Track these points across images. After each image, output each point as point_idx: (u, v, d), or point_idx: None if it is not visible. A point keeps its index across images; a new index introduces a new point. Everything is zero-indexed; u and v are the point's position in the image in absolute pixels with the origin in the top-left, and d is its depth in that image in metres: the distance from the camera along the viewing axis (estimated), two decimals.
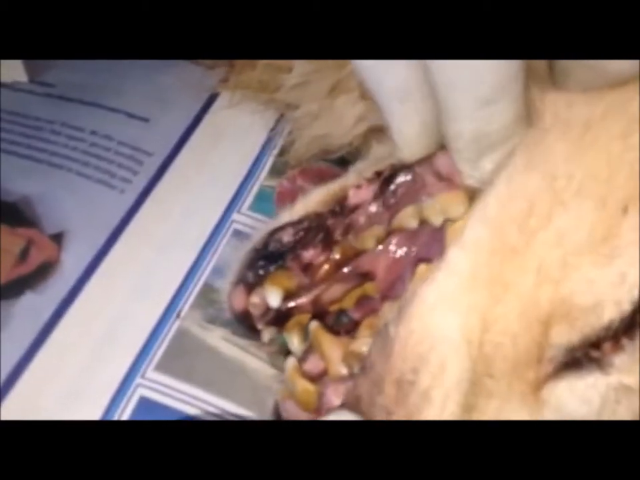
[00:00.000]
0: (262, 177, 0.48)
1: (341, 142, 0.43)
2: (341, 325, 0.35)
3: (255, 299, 0.35)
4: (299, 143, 0.45)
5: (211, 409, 0.39)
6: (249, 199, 0.47)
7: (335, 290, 0.36)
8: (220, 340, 0.41)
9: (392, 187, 0.33)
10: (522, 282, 0.29)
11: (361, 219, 0.34)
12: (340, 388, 0.32)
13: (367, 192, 0.34)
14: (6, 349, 0.39)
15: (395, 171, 0.33)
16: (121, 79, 0.51)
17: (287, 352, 0.36)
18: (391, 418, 0.29)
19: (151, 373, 0.40)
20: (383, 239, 0.35)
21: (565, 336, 0.28)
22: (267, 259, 0.35)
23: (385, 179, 0.34)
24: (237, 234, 0.45)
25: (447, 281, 0.30)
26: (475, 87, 0.28)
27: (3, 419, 0.37)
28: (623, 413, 0.28)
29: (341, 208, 0.35)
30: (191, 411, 0.39)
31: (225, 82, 0.49)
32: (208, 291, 0.43)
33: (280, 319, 0.36)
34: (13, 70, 0.50)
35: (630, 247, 0.28)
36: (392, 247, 0.35)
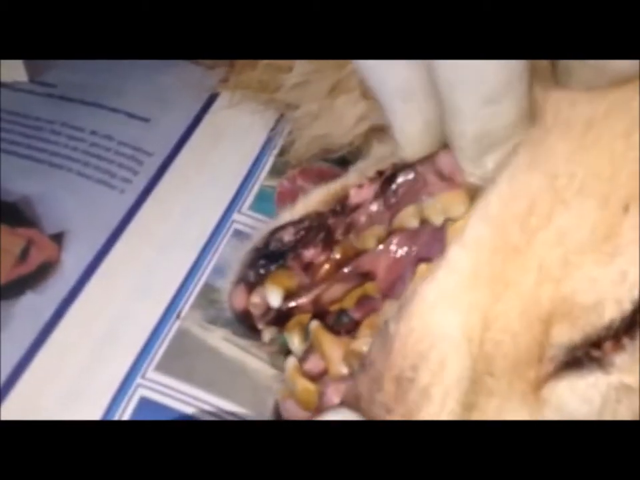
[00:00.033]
0: (262, 177, 0.48)
1: (341, 142, 0.43)
2: (341, 324, 0.35)
3: (255, 298, 0.35)
4: (299, 142, 0.45)
5: (212, 409, 0.39)
6: (249, 199, 0.47)
7: (336, 290, 0.36)
8: (220, 340, 0.41)
9: (393, 186, 0.33)
10: (523, 280, 0.29)
11: (362, 218, 0.34)
12: (340, 387, 0.32)
13: (369, 191, 0.34)
14: (6, 349, 0.39)
15: (397, 170, 0.33)
16: (122, 79, 0.51)
17: (287, 352, 0.36)
18: (390, 415, 0.29)
19: (152, 373, 0.40)
20: (384, 239, 0.35)
21: (565, 335, 0.28)
22: (268, 258, 0.35)
23: (386, 178, 0.34)
24: (238, 234, 0.45)
25: (447, 278, 0.30)
26: (478, 86, 0.28)
27: (3, 419, 0.37)
28: (624, 412, 0.28)
29: (342, 207, 0.35)
30: (192, 411, 0.39)
31: (225, 82, 0.49)
32: (208, 291, 0.43)
33: (280, 318, 0.36)
34: (13, 70, 0.50)
35: (631, 245, 0.28)
36: (393, 247, 0.35)
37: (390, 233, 0.34)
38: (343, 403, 0.31)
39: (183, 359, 0.40)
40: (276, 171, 0.48)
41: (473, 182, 0.31)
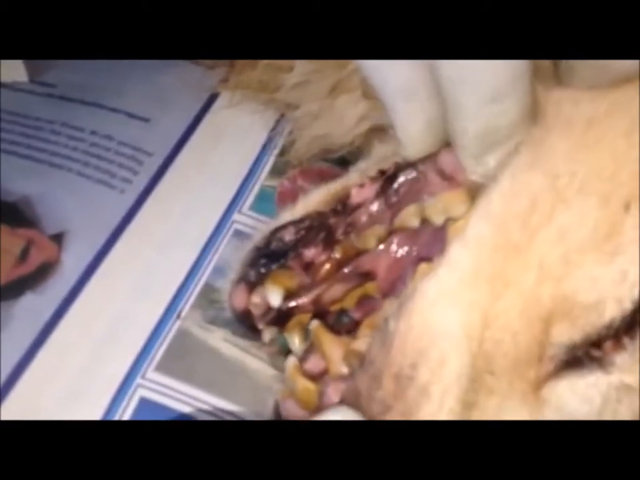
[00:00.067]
0: (262, 177, 0.48)
1: (341, 142, 0.43)
2: (341, 324, 0.35)
3: (256, 298, 0.35)
4: (300, 142, 0.45)
5: (212, 410, 0.39)
6: (250, 199, 0.47)
7: (336, 290, 0.36)
8: (220, 341, 0.41)
9: (395, 185, 0.33)
10: (523, 279, 0.29)
11: (363, 218, 0.34)
12: (340, 387, 0.32)
13: (370, 191, 0.34)
14: (6, 350, 0.39)
15: (399, 169, 0.33)
16: (122, 79, 0.51)
17: (287, 352, 0.36)
18: (389, 412, 0.29)
19: (151, 374, 0.40)
20: (385, 239, 0.35)
21: (566, 334, 0.28)
22: (269, 257, 0.35)
23: (387, 177, 0.34)
24: (238, 234, 0.45)
25: (448, 276, 0.30)
26: (482, 84, 0.28)
27: (3, 419, 0.37)
28: (624, 412, 0.28)
29: (343, 207, 0.35)
30: (191, 411, 0.39)
31: (225, 82, 0.49)
32: (208, 291, 0.43)
33: (281, 318, 0.36)
34: (13, 70, 0.50)
35: (631, 244, 0.28)
36: (393, 247, 0.35)
37: (391, 233, 0.34)
38: (343, 401, 0.31)
39: (183, 360, 0.40)
40: (276, 171, 0.48)
41: (475, 180, 0.31)
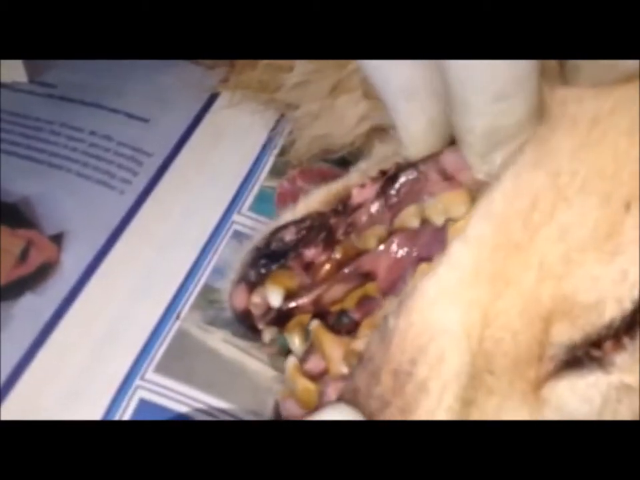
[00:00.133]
0: (262, 178, 0.48)
1: (342, 142, 0.43)
2: (341, 325, 0.35)
3: (256, 298, 0.35)
4: (300, 143, 0.45)
5: (211, 411, 0.39)
6: (249, 200, 0.47)
7: (336, 290, 0.36)
8: (220, 342, 0.41)
9: (396, 185, 0.33)
10: (524, 278, 0.29)
11: (363, 218, 0.34)
12: (340, 386, 0.32)
13: (371, 191, 0.34)
14: (6, 350, 0.39)
15: (400, 169, 0.33)
16: (121, 80, 0.51)
17: (287, 353, 0.36)
18: (388, 408, 0.29)
19: (151, 375, 0.40)
20: (385, 239, 0.35)
21: (566, 334, 0.28)
22: (269, 257, 0.35)
23: (388, 177, 0.34)
24: (237, 235, 0.45)
25: (448, 274, 0.30)
26: (489, 83, 0.29)
27: (3, 419, 0.37)
28: (624, 412, 0.28)
29: (343, 207, 0.35)
30: (191, 412, 0.39)
31: (225, 82, 0.49)
32: (208, 292, 0.43)
33: (281, 318, 0.36)
34: (13, 70, 0.50)
35: (632, 244, 0.28)
36: (393, 247, 0.35)
37: (391, 233, 0.34)
38: (341, 398, 0.31)
39: (183, 360, 0.40)
40: (276, 172, 0.48)
41: (477, 180, 0.31)
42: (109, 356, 0.40)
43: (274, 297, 0.35)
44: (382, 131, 0.38)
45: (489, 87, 0.29)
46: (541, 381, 0.28)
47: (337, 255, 0.35)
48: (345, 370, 0.32)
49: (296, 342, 0.35)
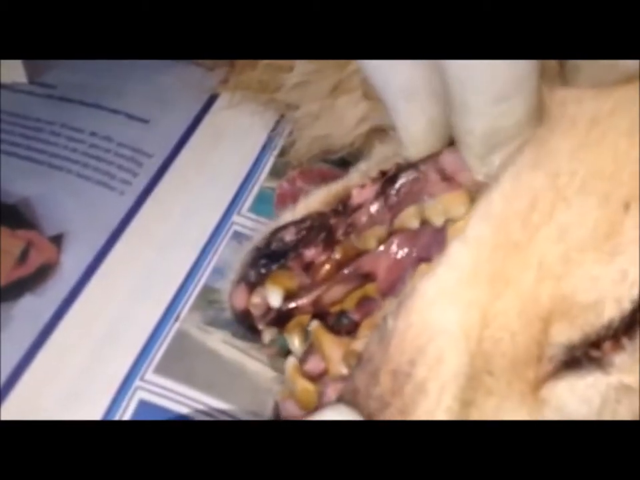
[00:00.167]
0: (262, 178, 0.48)
1: (342, 142, 0.43)
2: (341, 326, 0.35)
3: (256, 298, 0.35)
4: (300, 143, 0.45)
5: (211, 412, 0.39)
6: (249, 201, 0.47)
7: (336, 291, 0.36)
8: (220, 342, 0.41)
9: (396, 185, 0.33)
10: (523, 278, 0.29)
11: (363, 218, 0.34)
12: (340, 387, 0.32)
13: (371, 191, 0.34)
14: (6, 351, 0.39)
15: (400, 170, 0.33)
16: (121, 80, 0.51)
17: (287, 353, 0.36)
18: (387, 409, 0.29)
19: (151, 375, 0.40)
20: (385, 239, 0.35)
21: (565, 334, 0.28)
22: (269, 257, 0.35)
23: (388, 178, 0.34)
24: (237, 236, 0.45)
25: (447, 275, 0.30)
26: (488, 84, 0.29)
27: (3, 419, 0.37)
28: (624, 412, 0.28)
29: (343, 207, 0.35)
30: (191, 413, 0.39)
31: (225, 82, 0.49)
32: (208, 293, 0.43)
33: (281, 319, 0.36)
34: (13, 71, 0.50)
35: (631, 244, 0.28)
36: (393, 248, 0.35)
37: (391, 234, 0.34)
38: (340, 399, 0.31)
39: (182, 361, 0.40)
40: (276, 172, 0.48)
41: (477, 181, 0.31)
42: (109, 357, 0.40)
43: (274, 297, 0.35)
44: (382, 131, 0.38)
45: (488, 87, 0.29)
46: (540, 381, 0.28)
47: (337, 256, 0.35)
48: (344, 371, 0.32)
49: (296, 342, 0.35)
